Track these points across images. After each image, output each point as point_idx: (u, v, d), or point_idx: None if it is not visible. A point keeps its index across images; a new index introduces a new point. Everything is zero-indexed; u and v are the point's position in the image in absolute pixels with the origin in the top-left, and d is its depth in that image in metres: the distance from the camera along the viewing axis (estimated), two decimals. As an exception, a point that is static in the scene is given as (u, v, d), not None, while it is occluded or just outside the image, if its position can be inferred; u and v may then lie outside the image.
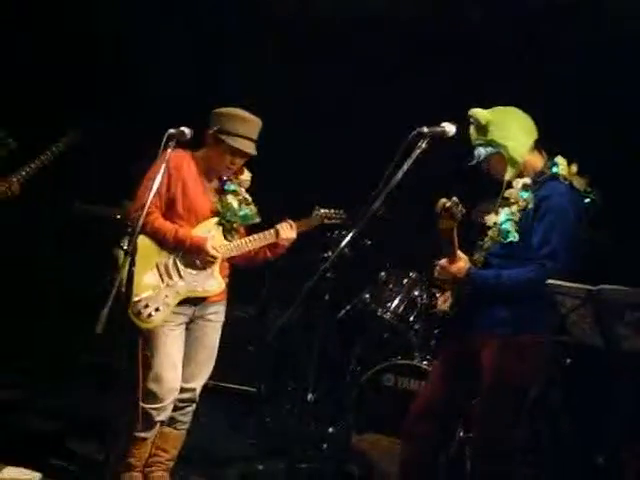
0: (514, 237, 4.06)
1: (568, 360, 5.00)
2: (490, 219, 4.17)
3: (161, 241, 4.49)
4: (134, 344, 4.48)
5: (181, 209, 4.54)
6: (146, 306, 4.42)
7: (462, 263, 4.08)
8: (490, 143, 4.13)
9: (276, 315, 5.85)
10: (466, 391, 4.18)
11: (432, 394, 4.26)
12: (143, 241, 4.35)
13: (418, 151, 3.75)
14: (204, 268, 4.56)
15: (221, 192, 4.65)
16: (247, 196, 4.71)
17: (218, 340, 4.72)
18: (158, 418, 4.54)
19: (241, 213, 4.65)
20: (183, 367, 4.60)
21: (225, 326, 4.74)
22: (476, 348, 4.10)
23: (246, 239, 4.65)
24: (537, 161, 4.16)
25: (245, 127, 4.53)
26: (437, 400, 4.19)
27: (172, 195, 4.52)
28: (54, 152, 5.28)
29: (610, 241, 4.85)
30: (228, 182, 4.66)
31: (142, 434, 4.55)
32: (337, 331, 5.63)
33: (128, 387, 4.53)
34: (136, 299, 4.37)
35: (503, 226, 4.09)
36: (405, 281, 5.51)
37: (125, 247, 4.01)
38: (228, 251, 4.61)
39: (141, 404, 4.48)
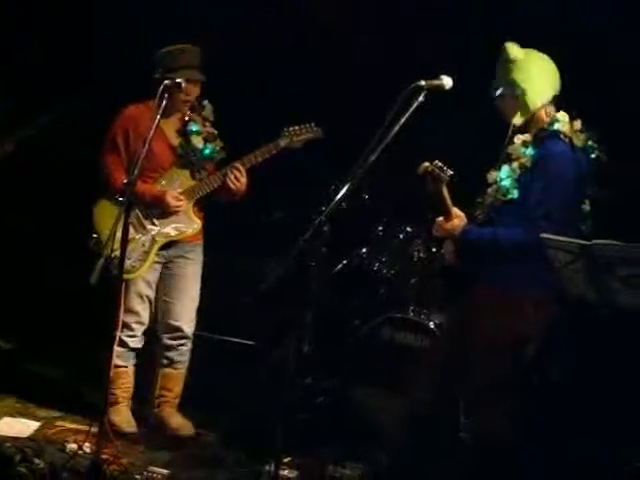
0: (514, 194, 4.03)
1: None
2: (491, 176, 4.13)
3: None
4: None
5: (145, 162, 4.54)
6: (127, 258, 4.49)
7: (457, 221, 4.08)
8: (509, 82, 4.05)
9: (272, 267, 5.86)
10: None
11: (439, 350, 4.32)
12: (109, 201, 4.69)
13: (415, 104, 3.73)
14: (174, 214, 4.77)
15: (184, 134, 4.78)
16: (212, 130, 4.84)
17: (199, 278, 4.94)
18: (132, 345, 4.85)
19: (206, 151, 4.80)
20: (169, 307, 4.88)
21: (221, 279, 4.81)
22: (477, 302, 4.09)
23: (209, 178, 4.79)
24: (544, 117, 4.07)
25: (184, 57, 4.68)
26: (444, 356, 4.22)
27: (133, 151, 4.64)
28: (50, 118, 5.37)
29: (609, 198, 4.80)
30: (191, 122, 4.78)
31: (121, 362, 4.79)
32: (333, 285, 5.63)
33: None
34: (113, 255, 4.46)
35: (503, 183, 4.06)
36: (402, 235, 5.51)
37: (120, 199, 4.07)
38: (193, 194, 4.79)
39: (118, 333, 4.65)
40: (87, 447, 4.29)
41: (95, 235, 4.72)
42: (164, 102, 4.12)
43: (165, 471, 4.35)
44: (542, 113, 4.07)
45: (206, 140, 4.79)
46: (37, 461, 4.04)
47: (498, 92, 4.10)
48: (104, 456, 4.17)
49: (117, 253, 4.45)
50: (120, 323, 4.67)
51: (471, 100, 4.57)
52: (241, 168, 4.74)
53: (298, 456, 4.55)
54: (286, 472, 4.42)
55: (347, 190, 3.68)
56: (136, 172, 4.04)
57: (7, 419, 4.62)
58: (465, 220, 4.09)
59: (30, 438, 4.43)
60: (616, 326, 3.89)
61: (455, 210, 4.08)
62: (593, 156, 4.05)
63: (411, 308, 5.29)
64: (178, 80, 4.24)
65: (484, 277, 4.10)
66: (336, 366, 5.53)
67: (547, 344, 4.14)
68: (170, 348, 4.91)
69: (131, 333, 4.84)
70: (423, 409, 4.21)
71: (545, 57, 4.11)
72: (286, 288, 4.49)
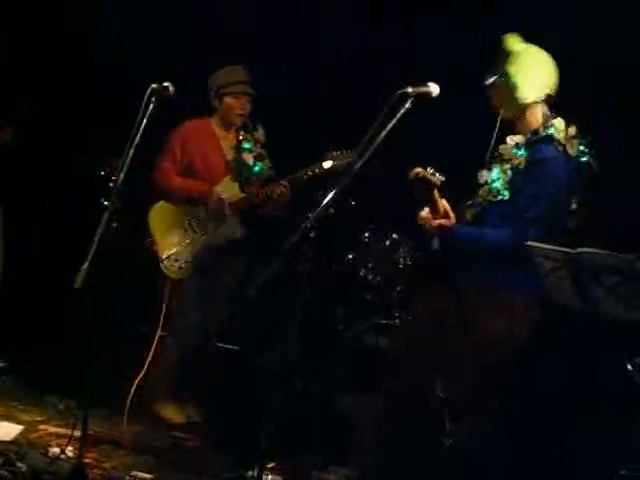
0: (504, 195, 4.05)
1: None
2: (482, 176, 4.15)
3: (175, 196, 5.16)
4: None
5: (201, 169, 5.21)
6: (176, 260, 5.13)
7: (445, 221, 4.07)
8: (504, 72, 4.05)
9: (258, 273, 5.86)
10: (442, 344, 4.13)
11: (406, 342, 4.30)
12: (165, 204, 5.19)
13: (402, 111, 3.73)
14: (223, 217, 5.13)
15: (237, 150, 5.25)
16: (262, 151, 5.31)
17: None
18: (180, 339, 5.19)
19: (256, 168, 5.26)
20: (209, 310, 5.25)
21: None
22: (467, 302, 4.07)
23: (257, 192, 5.19)
24: (537, 118, 4.07)
25: (235, 74, 5.27)
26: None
27: (188, 160, 5.17)
28: None
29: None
30: (244, 141, 5.26)
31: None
32: (320, 291, 5.63)
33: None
34: (165, 256, 5.11)
35: (494, 185, 4.08)
36: (388, 242, 5.53)
37: (107, 203, 4.06)
38: (242, 205, 5.18)
39: (159, 332, 5.15)
40: (70, 451, 4.27)
41: (151, 236, 5.15)
42: (151, 105, 4.10)
43: (149, 475, 4.33)
44: (535, 112, 4.07)
45: (256, 158, 5.25)
46: (19, 464, 4.03)
47: (490, 80, 4.10)
48: (87, 460, 4.16)
49: (171, 255, 5.10)
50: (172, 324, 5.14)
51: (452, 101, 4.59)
52: (287, 185, 5.12)
53: (283, 461, 4.54)
54: (270, 477, 4.41)
55: (333, 196, 3.69)
56: (121, 177, 4.03)
57: (-9, 421, 4.61)
58: (453, 219, 4.09)
59: (13, 441, 4.40)
60: (600, 333, 3.90)
61: (446, 207, 4.08)
62: (583, 161, 4.04)
63: (396, 314, 5.31)
64: (165, 84, 4.22)
65: (474, 277, 4.09)
66: (321, 371, 5.53)
67: (537, 345, 4.15)
68: (200, 348, 5.29)
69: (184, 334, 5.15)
70: (394, 403, 4.21)
71: (545, 54, 4.09)
72: (272, 293, 4.51)
